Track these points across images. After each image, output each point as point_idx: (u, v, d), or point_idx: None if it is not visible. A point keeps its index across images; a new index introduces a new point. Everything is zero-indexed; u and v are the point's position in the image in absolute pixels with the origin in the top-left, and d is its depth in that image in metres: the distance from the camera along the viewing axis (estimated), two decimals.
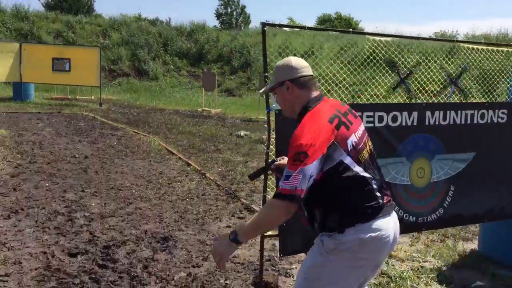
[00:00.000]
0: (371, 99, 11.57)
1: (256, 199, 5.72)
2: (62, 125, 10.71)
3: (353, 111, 2.20)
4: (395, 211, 2.19)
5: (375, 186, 2.05)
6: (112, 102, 16.25)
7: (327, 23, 43.91)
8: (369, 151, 2.13)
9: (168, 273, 3.59)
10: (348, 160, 1.99)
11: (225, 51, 23.95)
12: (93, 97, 17.09)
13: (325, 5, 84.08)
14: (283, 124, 2.94)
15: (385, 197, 2.09)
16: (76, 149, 8.17)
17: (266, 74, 3.06)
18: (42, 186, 5.77)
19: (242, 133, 10.48)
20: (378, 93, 11.60)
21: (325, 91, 15.16)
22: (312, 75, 2.22)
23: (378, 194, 2.04)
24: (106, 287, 3.36)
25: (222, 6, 43.41)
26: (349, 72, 17.71)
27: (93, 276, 3.49)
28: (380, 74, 10.37)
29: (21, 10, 22.49)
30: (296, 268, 3.82)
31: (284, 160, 2.33)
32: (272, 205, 1.95)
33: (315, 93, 2.16)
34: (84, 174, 6.48)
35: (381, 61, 10.43)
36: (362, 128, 2.16)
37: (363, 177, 2.02)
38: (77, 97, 16.87)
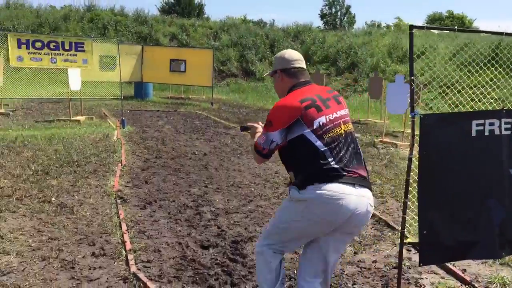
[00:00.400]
0: (494, 104, 10.81)
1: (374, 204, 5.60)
2: (180, 123, 11.35)
3: (339, 99, 2.67)
4: None
5: (334, 160, 2.46)
6: (222, 102, 16.89)
7: (437, 22, 41.79)
8: (342, 134, 2.54)
9: (295, 272, 3.66)
10: (311, 135, 2.48)
11: (331, 52, 23.75)
12: (204, 97, 17.90)
13: (436, 3, 79.91)
14: (428, 129, 2.85)
15: (349, 171, 2.47)
16: (195, 146, 8.62)
17: (412, 77, 2.97)
18: (169, 180, 6.17)
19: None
20: (503, 97, 10.80)
21: (439, 93, 14.25)
22: (302, 68, 2.71)
23: (336, 166, 2.44)
24: (238, 280, 3.50)
25: (326, 7, 43.16)
26: (469, 74, 16.69)
27: (225, 269, 3.66)
28: (507, 77, 9.64)
29: (142, 15, 24.20)
30: (426, 278, 3.69)
31: (255, 124, 2.96)
32: (253, 151, 2.75)
33: (302, 80, 2.67)
34: (205, 171, 6.82)
35: (508, 62, 9.73)
36: (340, 113, 2.59)
37: (322, 151, 2.46)
38: (190, 96, 17.77)
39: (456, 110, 15.21)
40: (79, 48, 9.85)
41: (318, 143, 2.47)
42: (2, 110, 11.28)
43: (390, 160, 8.24)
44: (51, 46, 9.45)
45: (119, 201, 5.14)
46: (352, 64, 22.40)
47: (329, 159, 2.45)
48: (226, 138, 9.58)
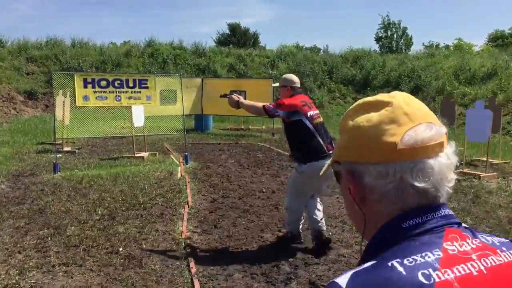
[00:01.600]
0: None
1: None
2: (243, 156, 11.04)
3: (314, 105, 4.83)
4: None
5: (320, 139, 4.50)
6: (282, 132, 16.51)
7: (499, 40, 40.01)
8: (320, 122, 4.65)
9: None
10: (306, 121, 4.48)
11: (392, 76, 22.97)
12: (264, 127, 17.61)
13: (497, 21, 76.93)
14: None
15: (329, 148, 4.43)
16: (261, 182, 8.21)
17: None
18: (239, 224, 5.76)
19: None
20: None
21: None
22: (299, 87, 4.89)
23: (321, 142, 4.49)
24: None
25: (382, 30, 42.29)
26: None
27: None
28: None
29: (199, 47, 24.55)
30: None
31: (237, 96, 4.84)
32: (261, 107, 4.63)
33: (298, 91, 4.78)
34: (276, 212, 6.37)
35: None
36: (317, 112, 4.73)
37: (313, 132, 4.49)
38: (250, 127, 17.54)
39: None
40: (142, 85, 9.81)
41: (311, 126, 4.54)
42: (69, 148, 11.44)
43: (476, 194, 7.45)
44: (116, 84, 9.46)
45: (189, 250, 4.77)
46: (415, 87, 21.48)
47: (317, 137, 4.52)
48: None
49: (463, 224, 0.89)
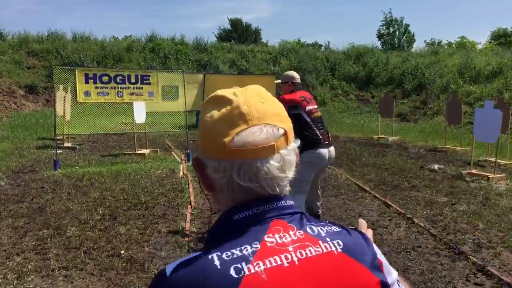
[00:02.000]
0: None
1: (486, 256, 4.76)
2: None
3: (313, 100, 5.14)
4: None
5: (317, 131, 4.84)
6: None
7: (502, 38, 39.83)
8: (318, 116, 4.99)
9: None
10: (304, 115, 4.81)
11: (395, 73, 22.77)
12: None
13: (500, 19, 76.54)
14: None
15: (325, 138, 4.90)
16: None
17: None
18: None
19: (436, 166, 9.40)
20: None
21: None
22: (299, 82, 5.19)
23: (320, 136, 4.84)
24: None
25: (384, 27, 42.02)
26: None
27: None
28: None
29: (201, 43, 24.34)
30: None
31: None
32: None
33: (298, 87, 5.11)
34: None
35: None
36: (315, 107, 5.02)
37: (311, 125, 4.82)
38: None
39: None
40: (145, 81, 9.64)
41: (308, 119, 4.84)
42: (69, 144, 11.28)
43: (486, 197, 7.28)
44: (118, 80, 9.28)
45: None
46: (419, 85, 21.29)
47: (314, 129, 4.84)
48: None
49: (301, 213, 0.94)
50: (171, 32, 43.05)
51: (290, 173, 0.94)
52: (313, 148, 4.81)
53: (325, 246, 0.90)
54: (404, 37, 42.25)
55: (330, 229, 0.93)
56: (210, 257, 0.84)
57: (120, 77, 9.31)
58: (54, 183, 7.47)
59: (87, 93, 9.10)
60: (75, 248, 4.69)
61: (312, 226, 0.93)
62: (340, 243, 0.91)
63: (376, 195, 7.18)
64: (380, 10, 63.22)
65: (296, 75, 5.23)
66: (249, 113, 0.90)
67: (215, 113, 0.92)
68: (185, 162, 9.49)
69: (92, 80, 9.06)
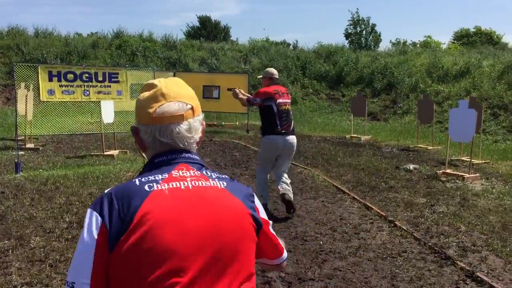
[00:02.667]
0: None
1: (473, 261, 4.64)
2: (219, 155, 10.58)
3: (288, 93, 6.05)
4: None
5: (278, 121, 5.73)
6: (257, 128, 16.07)
7: (464, 39, 40.74)
8: (286, 108, 5.83)
9: None
10: (274, 106, 5.71)
11: (365, 72, 22.86)
12: (237, 123, 17.17)
13: (463, 20, 78.56)
14: None
15: (283, 128, 5.77)
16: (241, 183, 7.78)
17: None
18: None
19: (411, 166, 9.34)
20: None
21: (489, 113, 13.10)
22: (277, 78, 6.13)
23: (278, 125, 5.73)
24: None
25: (351, 26, 42.38)
26: None
27: None
28: None
29: (170, 40, 23.82)
30: None
31: (239, 92, 6.06)
32: (246, 99, 6.04)
33: (274, 82, 6.03)
34: None
35: None
36: (286, 101, 5.87)
37: (275, 115, 5.72)
38: (223, 123, 17.07)
39: None
40: (113, 79, 9.19)
41: (275, 110, 5.73)
42: (32, 145, 10.70)
43: (464, 197, 7.24)
44: (84, 78, 8.80)
45: None
46: (388, 85, 21.43)
47: (276, 119, 5.74)
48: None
49: (203, 165, 1.36)
50: (137, 29, 42.10)
51: (196, 135, 1.38)
52: (270, 134, 5.86)
53: (213, 182, 1.32)
54: (371, 36, 42.74)
55: (221, 176, 1.36)
56: (133, 181, 1.27)
57: (87, 75, 8.85)
58: (16, 187, 6.99)
59: (50, 92, 8.60)
60: (40, 261, 4.30)
61: (208, 172, 1.36)
62: (225, 183, 1.34)
63: (356, 197, 7.01)
64: (348, 9, 63.91)
65: (273, 71, 6.20)
66: (167, 93, 1.34)
67: (146, 94, 1.36)
68: None
69: (56, 78, 8.57)
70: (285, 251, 1.55)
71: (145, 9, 71.39)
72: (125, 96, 9.38)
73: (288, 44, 36.05)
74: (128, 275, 1.16)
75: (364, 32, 42.55)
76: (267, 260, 1.51)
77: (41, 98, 8.76)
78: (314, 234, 5.34)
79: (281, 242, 1.53)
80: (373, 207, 6.43)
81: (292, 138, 5.89)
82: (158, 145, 1.33)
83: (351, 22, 42.07)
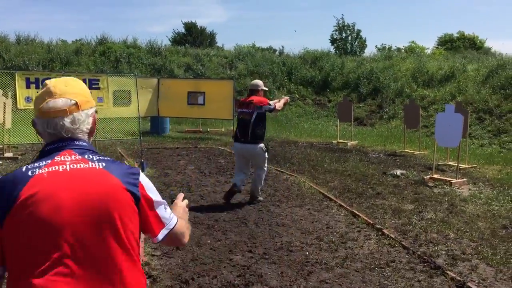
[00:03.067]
0: None
1: (463, 270, 4.50)
2: (203, 162, 10.37)
3: (250, 103, 6.50)
4: None
5: (238, 131, 6.60)
6: None
7: (448, 44, 41.12)
8: (241, 118, 6.57)
9: None
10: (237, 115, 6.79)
11: (351, 77, 22.84)
12: (223, 129, 16.97)
13: (446, 25, 79.37)
14: None
15: (241, 136, 6.52)
16: (225, 191, 7.58)
17: None
18: (205, 243, 5.12)
19: (398, 172, 9.23)
20: None
21: (475, 117, 13.07)
22: (253, 89, 6.81)
23: (239, 134, 6.56)
24: None
25: (336, 32, 42.54)
26: (502, 99, 15.55)
27: None
28: None
29: (155, 46, 23.58)
30: None
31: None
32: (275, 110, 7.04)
33: (251, 93, 6.79)
34: (244, 227, 5.76)
35: None
36: (246, 110, 6.51)
37: (238, 123, 6.66)
38: (208, 129, 16.87)
39: (499, 138, 14.02)
40: (93, 86, 8.97)
41: (238, 120, 6.62)
42: (10, 154, 10.38)
43: (452, 203, 7.13)
44: None
45: (148, 278, 4.09)
46: (374, 89, 21.43)
47: (238, 129, 6.56)
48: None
49: (89, 149, 1.58)
50: (122, 35, 41.67)
51: (83, 126, 1.59)
52: (235, 141, 6.76)
53: (91, 164, 1.51)
54: (356, 42, 42.95)
55: (102, 159, 1.55)
56: (21, 168, 1.50)
57: None
58: None
59: (28, 99, 8.34)
60: None
61: (90, 155, 1.55)
62: (104, 164, 1.52)
63: (342, 204, 6.86)
64: (333, 15, 64.26)
65: (252, 82, 7.16)
66: (54, 91, 1.55)
67: (40, 92, 1.61)
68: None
69: (34, 85, 8.31)
70: (161, 234, 1.60)
71: (132, 16, 71.00)
72: (106, 103, 9.15)
73: (274, 50, 36.02)
74: (17, 247, 1.40)
75: (349, 37, 42.74)
76: (155, 234, 1.61)
77: (18, 106, 8.48)
78: (299, 244, 5.17)
79: (172, 217, 1.64)
80: (360, 215, 6.28)
81: (248, 147, 6.58)
82: (47, 136, 1.57)
83: (336, 28, 42.26)
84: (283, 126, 18.59)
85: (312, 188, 7.91)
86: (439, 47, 41.95)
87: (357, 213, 6.36)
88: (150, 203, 1.57)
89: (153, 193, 1.59)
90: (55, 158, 1.50)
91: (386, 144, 13.90)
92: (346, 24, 42.75)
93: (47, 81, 1.60)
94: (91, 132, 1.63)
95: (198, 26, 38.59)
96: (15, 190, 1.41)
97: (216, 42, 38.26)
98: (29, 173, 1.45)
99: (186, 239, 1.74)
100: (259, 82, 7.02)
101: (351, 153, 12.18)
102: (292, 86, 23.19)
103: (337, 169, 9.81)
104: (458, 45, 38.77)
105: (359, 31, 43.07)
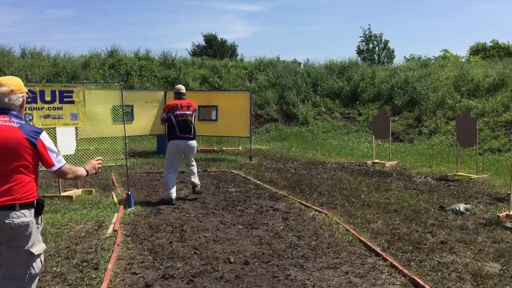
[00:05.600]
0: None
1: None
2: (209, 192, 8.37)
3: (191, 107, 7.66)
4: None
5: (178, 130, 7.42)
6: (262, 154, 13.89)
7: (481, 53, 38.60)
8: (183, 119, 7.47)
9: None
10: (172, 117, 7.45)
11: (383, 88, 20.63)
12: (240, 148, 15.00)
13: (480, 34, 76.05)
14: None
15: (183, 135, 7.47)
16: (230, 240, 5.54)
17: None
18: None
19: (461, 207, 7.02)
20: None
21: None
22: (181, 93, 7.86)
23: (178, 131, 7.42)
24: None
25: (363, 43, 40.43)
26: None
27: None
28: None
29: (169, 58, 21.89)
30: None
31: None
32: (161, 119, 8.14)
33: (178, 97, 7.82)
34: None
35: None
36: (185, 112, 7.52)
37: (175, 125, 7.43)
38: (224, 148, 14.90)
39: None
40: (65, 99, 7.09)
41: (174, 121, 7.43)
42: None
43: None
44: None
45: None
46: (410, 101, 19.18)
47: (177, 129, 7.42)
48: (275, 220, 6.48)
49: (18, 116, 2.98)
50: (135, 46, 40.17)
51: (16, 103, 3.00)
52: (173, 139, 7.48)
53: (12, 124, 2.89)
54: (384, 53, 40.81)
55: (20, 122, 2.93)
56: None
57: (30, 93, 6.78)
58: None
59: None
60: None
61: (14, 119, 2.92)
62: (19, 124, 2.90)
63: (395, 264, 4.72)
64: (359, 26, 61.97)
65: (179, 87, 7.99)
66: (1, 82, 2.97)
67: None
68: (125, 208, 6.96)
69: None
70: (50, 169, 3.00)
71: (157, 34, 70.03)
72: (81, 120, 7.26)
73: (299, 63, 33.96)
74: None
75: (376, 48, 40.69)
76: (47, 168, 3.00)
77: None
78: None
79: (60, 160, 3.04)
80: (426, 286, 4.14)
81: (191, 142, 7.59)
82: None
83: (363, 38, 40.26)
84: (308, 144, 16.48)
85: (349, 234, 5.79)
86: (471, 56, 39.47)
87: (422, 283, 4.21)
88: (44, 148, 2.94)
89: (49, 144, 3.00)
90: None
91: (432, 164, 11.64)
92: (373, 34, 40.77)
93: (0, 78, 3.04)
94: (21, 107, 3.05)
95: (219, 38, 37.02)
96: None
97: (237, 55, 36.52)
98: None
99: (68, 177, 3.16)
100: (183, 87, 8.12)
101: (391, 177, 10.00)
102: (317, 98, 21.10)
103: (378, 201, 7.67)
104: (493, 53, 36.52)
105: (386, 41, 40.98)
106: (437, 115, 17.23)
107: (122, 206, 7.03)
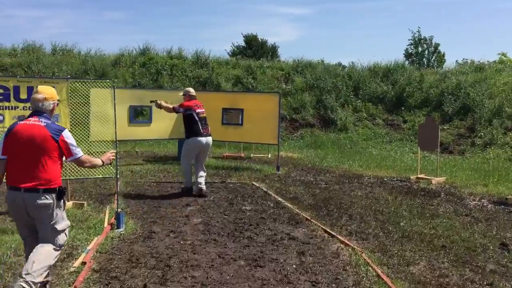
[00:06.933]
0: None
1: None
2: (219, 210, 7.15)
3: (201, 106, 8.33)
4: None
5: (200, 126, 8.04)
6: (292, 163, 12.54)
7: None
8: (203, 116, 8.20)
9: None
10: (195, 115, 8.07)
11: (432, 93, 18.82)
12: (270, 155, 13.71)
13: None
14: None
15: (205, 131, 8.08)
16: (222, 285, 4.27)
17: None
18: None
19: None
20: None
21: None
22: (193, 95, 8.49)
23: (202, 129, 8.04)
24: None
25: (412, 46, 38.23)
26: None
27: None
28: None
29: (202, 57, 20.89)
30: None
31: (162, 102, 8.44)
32: (171, 107, 8.37)
33: (192, 98, 8.44)
34: None
35: None
36: (202, 110, 8.23)
37: (197, 121, 8.04)
38: (252, 155, 13.67)
39: None
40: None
41: (197, 118, 8.06)
42: None
43: None
44: None
45: None
46: (463, 108, 17.31)
47: (199, 124, 8.03)
48: (288, 254, 5.16)
49: (48, 118, 3.83)
50: (167, 44, 39.36)
51: (48, 108, 3.84)
52: (195, 136, 8.01)
53: (40, 123, 3.71)
54: (434, 56, 38.49)
55: (48, 122, 3.76)
56: (16, 121, 4.04)
57: (1, 90, 5.77)
58: None
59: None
60: None
61: (43, 119, 3.74)
62: (45, 124, 3.72)
63: None
64: (408, 29, 59.27)
65: (190, 90, 8.60)
66: (38, 90, 3.93)
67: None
68: (112, 228, 5.84)
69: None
70: (70, 159, 3.76)
71: (200, 37, 69.69)
72: (64, 123, 6.18)
73: (344, 67, 32.23)
74: (11, 152, 3.64)
75: (426, 52, 38.41)
76: (67, 158, 3.76)
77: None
78: None
79: (78, 152, 3.81)
80: None
81: (210, 139, 8.20)
82: (32, 109, 3.80)
83: (412, 41, 38.06)
84: (345, 152, 14.99)
85: (380, 283, 4.39)
86: None
87: None
88: (66, 144, 3.70)
89: (70, 140, 3.75)
90: (30, 118, 3.72)
91: (488, 183, 9.94)
92: (422, 37, 38.50)
93: (38, 86, 3.89)
94: (51, 111, 3.85)
95: (259, 39, 35.88)
96: (8, 131, 3.67)
97: (278, 56, 35.23)
98: (14, 124, 3.73)
99: (86, 165, 3.97)
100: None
101: (439, 198, 8.45)
102: (359, 103, 19.52)
103: (421, 231, 6.21)
104: None
105: (437, 44, 38.59)
106: (493, 124, 15.33)
107: (109, 227, 5.91)
